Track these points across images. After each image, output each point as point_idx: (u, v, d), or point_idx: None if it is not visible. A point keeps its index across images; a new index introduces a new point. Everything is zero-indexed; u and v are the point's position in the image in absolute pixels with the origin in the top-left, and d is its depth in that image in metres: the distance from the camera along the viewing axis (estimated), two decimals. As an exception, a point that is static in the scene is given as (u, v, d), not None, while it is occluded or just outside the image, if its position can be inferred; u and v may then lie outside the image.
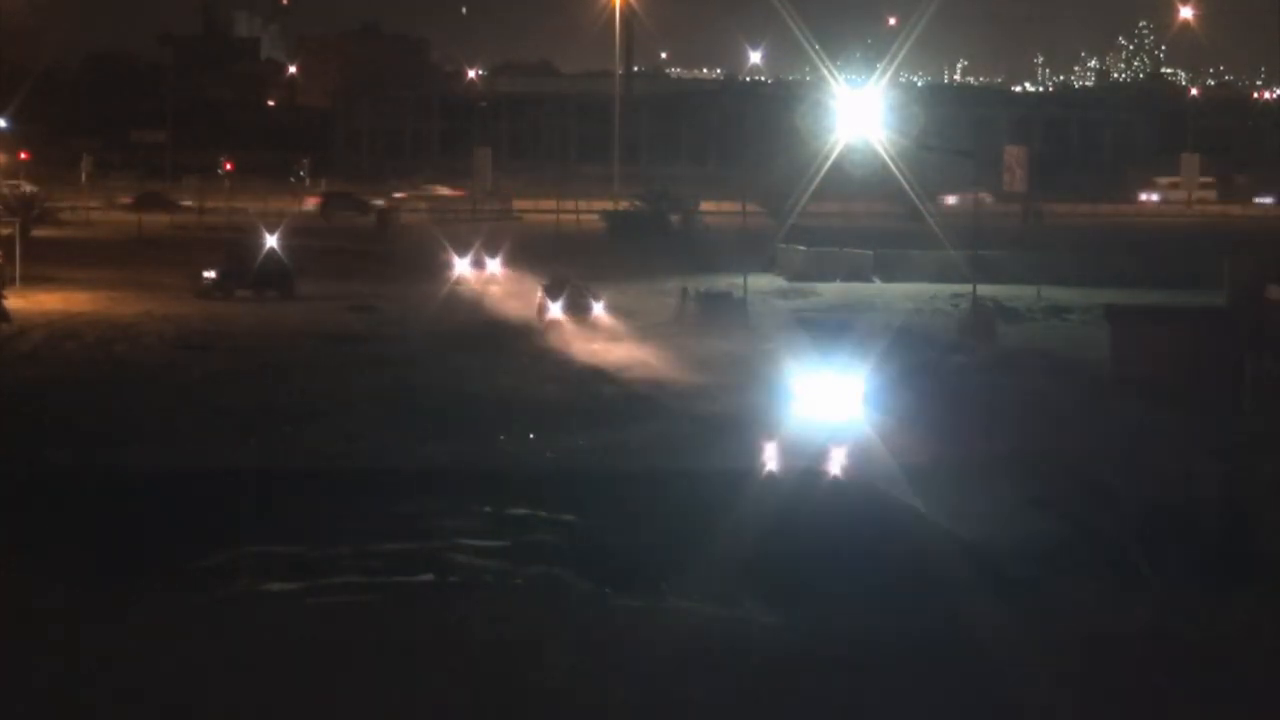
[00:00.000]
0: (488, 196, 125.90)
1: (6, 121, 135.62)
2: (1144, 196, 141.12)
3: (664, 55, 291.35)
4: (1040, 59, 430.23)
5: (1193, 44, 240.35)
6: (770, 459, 37.88)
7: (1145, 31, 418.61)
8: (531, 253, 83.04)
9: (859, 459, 39.68)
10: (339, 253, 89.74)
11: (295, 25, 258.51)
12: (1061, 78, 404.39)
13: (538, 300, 66.54)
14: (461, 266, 78.05)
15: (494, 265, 78.91)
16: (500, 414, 42.30)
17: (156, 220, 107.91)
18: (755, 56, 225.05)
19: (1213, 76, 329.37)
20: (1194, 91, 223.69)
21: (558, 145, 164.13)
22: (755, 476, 32.84)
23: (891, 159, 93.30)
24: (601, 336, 61.62)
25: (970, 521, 30.74)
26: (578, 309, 65.40)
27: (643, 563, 22.04)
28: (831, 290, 78.46)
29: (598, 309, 66.01)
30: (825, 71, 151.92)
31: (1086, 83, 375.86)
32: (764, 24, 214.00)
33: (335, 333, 60.58)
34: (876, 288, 79.93)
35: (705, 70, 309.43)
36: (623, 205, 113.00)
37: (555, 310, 64.89)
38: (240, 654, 16.32)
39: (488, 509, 25.17)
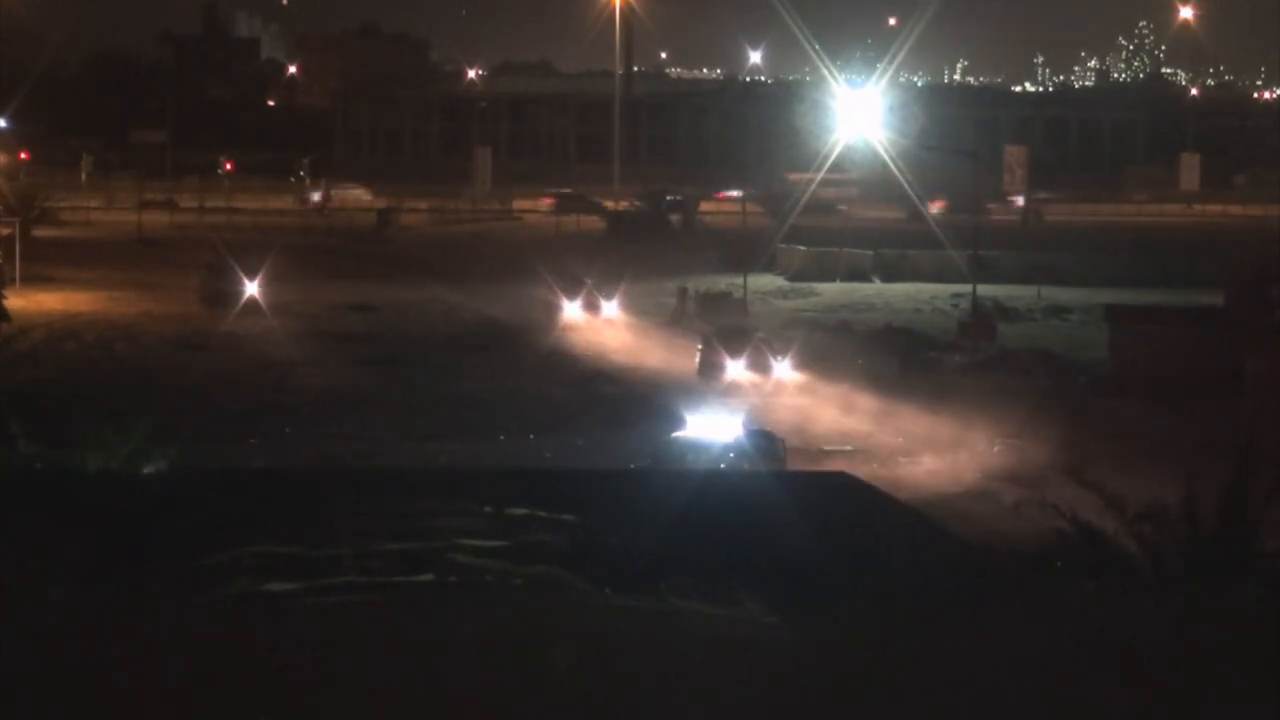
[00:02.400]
0: (487, 197, 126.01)
1: (6, 121, 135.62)
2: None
3: (664, 55, 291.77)
4: (1040, 59, 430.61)
5: (1193, 44, 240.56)
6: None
7: (1145, 31, 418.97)
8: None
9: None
10: (334, 253, 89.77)
11: (295, 25, 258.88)
12: (1061, 78, 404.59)
13: (700, 353, 54.96)
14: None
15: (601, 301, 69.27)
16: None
17: (156, 220, 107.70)
18: (755, 56, 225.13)
19: (1213, 76, 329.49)
20: (1194, 91, 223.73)
21: (558, 145, 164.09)
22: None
23: (892, 159, 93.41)
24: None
25: (967, 521, 30.80)
26: (759, 368, 53.89)
27: (643, 562, 22.06)
28: (831, 290, 78.54)
29: (780, 369, 54.11)
30: (825, 71, 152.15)
31: (1086, 83, 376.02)
32: (764, 24, 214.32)
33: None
34: (876, 288, 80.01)
35: (705, 70, 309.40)
36: (622, 204, 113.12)
37: (735, 370, 53.52)
38: (239, 654, 16.34)
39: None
